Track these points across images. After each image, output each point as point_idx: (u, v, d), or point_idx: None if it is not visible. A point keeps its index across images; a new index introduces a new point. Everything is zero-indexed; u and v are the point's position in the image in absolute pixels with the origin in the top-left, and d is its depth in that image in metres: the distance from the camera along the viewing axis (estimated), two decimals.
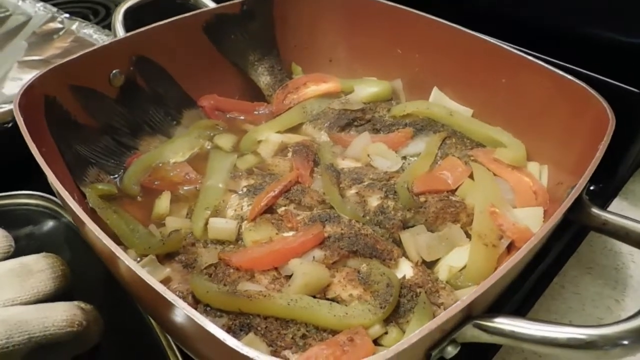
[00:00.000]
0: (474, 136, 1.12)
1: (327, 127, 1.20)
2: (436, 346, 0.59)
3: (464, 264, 0.88)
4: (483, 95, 1.15)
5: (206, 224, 0.94)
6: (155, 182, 1.08)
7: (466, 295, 0.58)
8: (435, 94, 1.22)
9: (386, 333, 0.75)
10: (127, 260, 0.64)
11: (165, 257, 0.90)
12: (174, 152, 1.13)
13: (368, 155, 1.07)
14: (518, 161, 1.03)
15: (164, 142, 1.16)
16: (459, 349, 0.60)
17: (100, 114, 1.07)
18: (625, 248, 1.06)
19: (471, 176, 1.01)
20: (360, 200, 0.97)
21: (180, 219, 0.97)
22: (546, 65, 1.00)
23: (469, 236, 0.92)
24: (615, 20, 1.06)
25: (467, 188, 0.99)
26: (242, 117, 1.27)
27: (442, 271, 0.88)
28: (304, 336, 0.73)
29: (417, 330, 0.54)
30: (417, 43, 1.22)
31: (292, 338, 0.73)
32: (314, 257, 0.84)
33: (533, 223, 0.93)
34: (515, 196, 0.99)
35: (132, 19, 1.14)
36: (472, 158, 1.06)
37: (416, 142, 1.11)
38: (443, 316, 0.56)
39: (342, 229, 0.88)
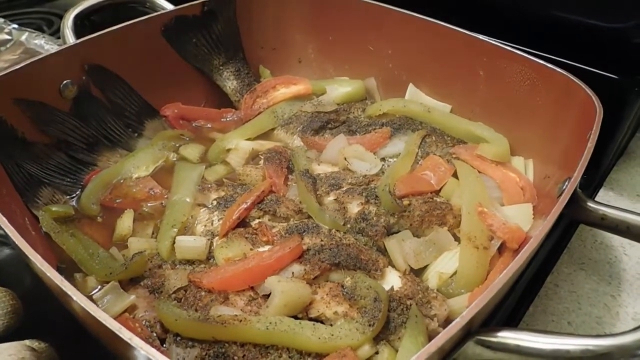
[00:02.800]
0: (454, 133, 1.07)
1: (300, 131, 1.13)
2: None
3: (455, 270, 0.82)
4: (461, 89, 1.10)
5: (173, 242, 0.86)
6: (117, 200, 0.99)
7: (465, 310, 0.52)
8: (411, 91, 1.16)
9: (377, 353, 0.68)
10: (75, 295, 0.56)
11: (130, 283, 0.81)
12: (136, 166, 1.04)
13: (345, 159, 1.00)
14: (502, 156, 0.98)
15: (125, 156, 1.07)
16: None
17: (52, 129, 0.98)
18: (616, 241, 1.02)
19: (455, 175, 0.96)
20: (340, 207, 0.90)
21: (144, 239, 0.89)
22: (526, 55, 0.96)
23: (457, 239, 0.86)
24: (592, 4, 1.03)
25: (451, 188, 0.94)
26: (208, 125, 1.19)
27: (432, 278, 0.82)
28: None
29: (414, 356, 0.48)
30: (389, 38, 1.17)
31: None
32: (292, 273, 0.77)
33: (523, 220, 0.88)
34: (502, 193, 0.94)
35: (87, 27, 1.06)
36: (454, 156, 1.01)
37: (394, 141, 1.05)
38: (442, 336, 0.50)
39: (322, 240, 0.82)
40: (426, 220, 0.87)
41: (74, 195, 1.00)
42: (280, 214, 0.90)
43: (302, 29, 1.27)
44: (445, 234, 0.86)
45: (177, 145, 1.12)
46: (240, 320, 0.68)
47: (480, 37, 1.03)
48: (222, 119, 1.21)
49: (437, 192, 0.94)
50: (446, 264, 0.83)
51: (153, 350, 0.48)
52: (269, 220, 0.90)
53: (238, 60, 1.24)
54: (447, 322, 0.75)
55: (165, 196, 0.98)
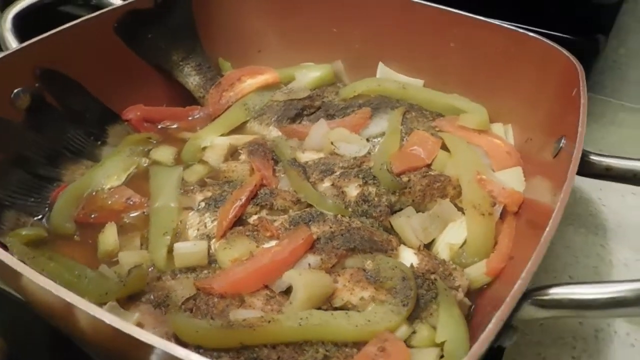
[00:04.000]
0: (431, 107, 1.07)
1: (275, 121, 1.09)
2: (497, 338, 0.51)
3: (464, 239, 0.82)
4: (433, 63, 1.10)
5: (169, 251, 0.80)
6: (92, 215, 0.90)
7: (523, 274, 0.51)
8: (382, 70, 1.15)
9: (414, 332, 0.66)
10: (85, 306, 0.50)
11: (129, 301, 0.74)
12: (106, 176, 0.96)
13: (332, 143, 0.98)
14: (483, 125, 1.00)
15: (92, 167, 0.98)
16: (517, 332, 0.53)
17: (5, 144, 0.87)
18: (593, 194, 1.07)
19: (442, 147, 0.96)
20: (338, 192, 0.87)
21: (135, 252, 0.81)
22: (498, 22, 0.97)
23: (459, 209, 0.86)
24: None
25: (442, 160, 0.94)
26: (175, 126, 1.12)
27: (442, 251, 0.82)
28: (326, 358, 0.63)
29: (484, 333, 0.46)
30: (353, 18, 1.15)
31: None
32: (309, 264, 0.73)
33: (516, 184, 0.90)
34: (491, 160, 0.95)
35: (29, 28, 0.95)
36: (437, 129, 1.01)
37: (375, 121, 1.04)
38: (508, 304, 0.48)
39: (330, 227, 0.79)
40: (428, 194, 0.86)
41: (42, 215, 0.90)
42: (277, 207, 0.86)
43: (261, 17, 1.22)
44: (448, 205, 0.85)
45: (146, 149, 1.04)
46: (269, 321, 0.64)
47: (449, 9, 1.03)
48: (189, 118, 1.13)
49: (428, 166, 0.94)
50: (454, 234, 0.83)
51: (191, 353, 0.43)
52: (266, 214, 0.86)
53: (197, 55, 1.17)
54: (468, 292, 0.75)
55: (146, 204, 0.91)
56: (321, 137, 1.01)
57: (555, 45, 0.90)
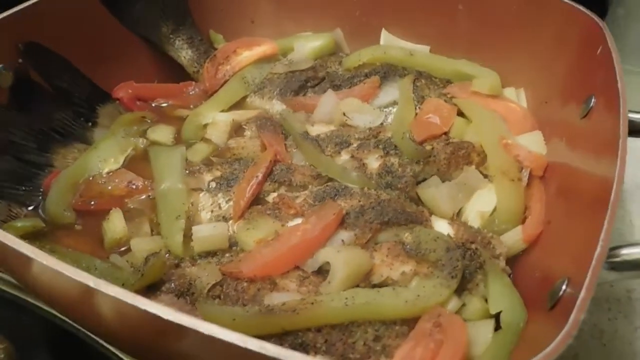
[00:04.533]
0: (440, 73, 1.02)
1: (277, 94, 1.02)
2: None
3: (494, 207, 0.79)
4: (439, 28, 1.05)
5: (185, 235, 0.74)
6: (92, 202, 0.83)
7: (601, 238, 0.48)
8: (386, 37, 1.10)
9: (464, 305, 0.63)
10: (110, 290, 0.45)
11: (148, 291, 0.68)
12: (102, 159, 0.88)
13: (344, 114, 0.92)
14: (496, 89, 0.96)
15: (85, 150, 0.90)
16: None
17: None
18: None
19: (458, 114, 0.92)
20: (359, 164, 0.83)
21: (149, 239, 0.75)
22: None
23: (484, 176, 0.83)
24: None
25: (460, 127, 0.90)
26: (170, 103, 1.05)
27: (472, 220, 0.78)
28: (377, 338, 0.58)
29: (578, 303, 0.43)
30: None
31: (364, 345, 0.58)
32: (342, 240, 0.69)
33: (538, 147, 0.87)
34: (508, 125, 0.92)
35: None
36: (449, 96, 0.97)
37: (385, 90, 0.99)
38: (593, 276, 0.45)
39: (359, 201, 0.74)
40: (453, 162, 0.83)
41: (35, 204, 0.82)
42: (296, 183, 0.81)
43: None
44: (474, 173, 0.82)
45: (142, 129, 0.96)
46: (312, 303, 0.59)
47: None
48: (184, 94, 1.06)
49: (446, 134, 0.90)
50: (483, 202, 0.80)
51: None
52: (285, 191, 0.80)
53: (188, 27, 1.09)
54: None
55: (150, 187, 0.84)
56: (331, 108, 0.95)
57: (575, 4, 0.87)
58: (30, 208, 0.82)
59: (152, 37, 1.04)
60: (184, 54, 1.08)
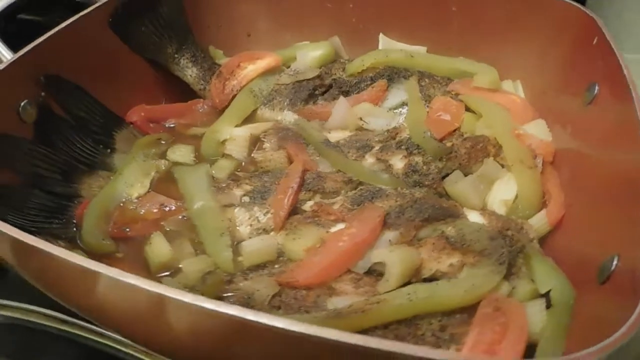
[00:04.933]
0: (440, 72, 1.07)
1: (288, 104, 1.05)
2: None
3: (515, 194, 0.84)
4: (434, 29, 1.10)
5: (234, 251, 0.76)
6: (126, 229, 0.83)
7: None
8: (384, 41, 1.14)
9: (513, 288, 0.68)
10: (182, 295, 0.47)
11: None
12: (129, 185, 0.88)
13: (360, 119, 0.96)
14: (496, 83, 1.02)
15: (109, 177, 0.90)
16: None
17: (21, 165, 0.78)
18: None
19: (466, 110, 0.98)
20: (385, 166, 0.87)
21: (198, 259, 0.76)
22: None
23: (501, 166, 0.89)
24: None
25: (470, 122, 0.95)
26: (181, 122, 1.05)
27: (498, 209, 0.83)
28: (442, 328, 0.62)
29: None
30: None
31: (432, 335, 0.62)
32: (389, 240, 0.72)
33: (544, 135, 0.93)
34: (512, 116, 0.98)
35: (15, 31, 0.84)
36: (453, 93, 1.02)
37: (393, 92, 1.03)
38: None
39: (396, 201, 0.78)
40: (473, 156, 0.88)
41: (69, 237, 0.82)
42: (329, 190, 0.84)
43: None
44: (493, 164, 0.87)
45: (161, 151, 0.97)
46: (378, 302, 0.63)
47: None
48: (194, 112, 1.07)
49: (458, 129, 0.95)
50: (505, 191, 0.85)
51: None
52: (320, 198, 0.83)
53: (190, 45, 1.10)
54: None
55: (183, 208, 0.85)
56: (344, 114, 0.99)
57: (566, 0, 0.94)
58: (63, 241, 0.81)
59: (159, 59, 1.05)
60: (190, 72, 1.09)
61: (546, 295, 0.66)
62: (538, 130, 0.94)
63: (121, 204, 0.86)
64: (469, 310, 0.64)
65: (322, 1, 1.15)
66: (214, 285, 0.69)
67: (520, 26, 1.01)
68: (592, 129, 0.82)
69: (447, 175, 0.87)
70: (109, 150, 0.94)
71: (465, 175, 0.87)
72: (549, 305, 0.65)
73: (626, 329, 0.43)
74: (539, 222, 0.80)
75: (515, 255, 0.70)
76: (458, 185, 0.83)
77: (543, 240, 0.80)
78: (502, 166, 0.88)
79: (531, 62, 1.01)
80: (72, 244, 0.81)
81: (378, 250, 0.70)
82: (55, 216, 0.82)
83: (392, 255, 0.68)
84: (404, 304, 0.63)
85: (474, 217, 0.78)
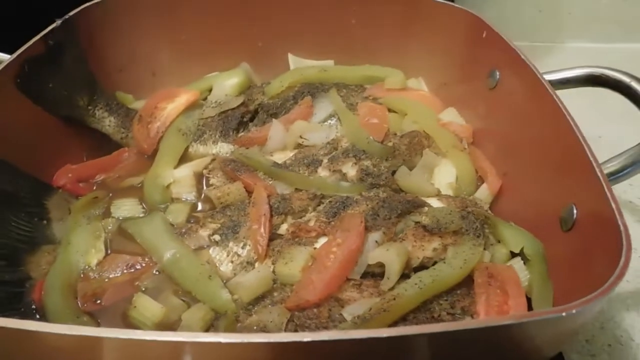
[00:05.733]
0: (352, 81, 1.15)
1: (220, 136, 1.05)
2: None
3: (455, 176, 0.95)
4: (338, 42, 1.18)
5: (230, 291, 0.75)
6: (97, 301, 0.77)
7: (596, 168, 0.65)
8: (294, 60, 1.19)
9: (492, 255, 0.77)
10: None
11: None
12: (82, 253, 0.81)
13: (301, 137, 1.00)
14: (404, 83, 1.13)
15: (54, 250, 0.82)
16: None
17: None
18: None
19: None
20: (341, 175, 0.92)
21: (197, 307, 0.73)
22: None
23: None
24: None
25: (395, 120, 1.04)
26: (111, 175, 0.99)
27: (445, 191, 0.93)
28: (452, 305, 0.69)
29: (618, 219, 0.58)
30: (250, 16, 1.15)
31: (447, 314, 0.68)
32: (376, 241, 0.77)
33: (458, 120, 1.06)
34: None
35: None
36: (371, 97, 1.11)
37: (319, 106, 1.08)
38: (610, 192, 0.62)
39: (367, 205, 0.83)
40: (412, 150, 0.96)
41: None
42: (297, 209, 0.86)
43: (148, 37, 1.12)
44: (431, 155, 0.97)
45: (101, 210, 0.90)
46: (394, 298, 0.67)
47: None
48: (121, 162, 1.01)
49: (388, 130, 1.04)
50: (445, 175, 0.95)
51: None
52: (292, 219, 0.85)
53: (100, 94, 1.04)
54: None
55: (151, 263, 0.81)
56: (282, 136, 1.01)
57: (447, 3, 1.07)
58: None
59: (73, 114, 0.97)
60: (107, 122, 1.03)
61: (520, 253, 0.76)
62: (452, 117, 1.07)
63: (81, 275, 0.79)
64: (464, 283, 0.72)
65: (225, 30, 1.16)
66: (229, 328, 0.68)
67: (415, 31, 1.13)
68: (502, 107, 0.95)
69: (394, 172, 0.95)
70: (44, 222, 0.86)
71: (409, 168, 0.95)
72: (525, 261, 0.75)
73: (619, 271, 0.53)
74: (483, 194, 0.91)
75: (480, 227, 0.80)
76: (409, 179, 0.90)
77: (491, 209, 0.91)
78: (437, 154, 0.99)
79: (431, 60, 1.14)
80: None
81: (374, 253, 0.74)
82: (11, 307, 0.72)
83: (389, 254, 0.73)
84: (416, 294, 0.68)
85: (434, 203, 0.87)
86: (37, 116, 0.89)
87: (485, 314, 0.65)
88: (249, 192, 0.90)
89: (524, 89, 0.88)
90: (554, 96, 0.78)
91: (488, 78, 1.00)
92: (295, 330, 0.70)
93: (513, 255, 0.78)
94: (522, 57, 0.89)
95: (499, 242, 0.80)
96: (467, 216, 0.79)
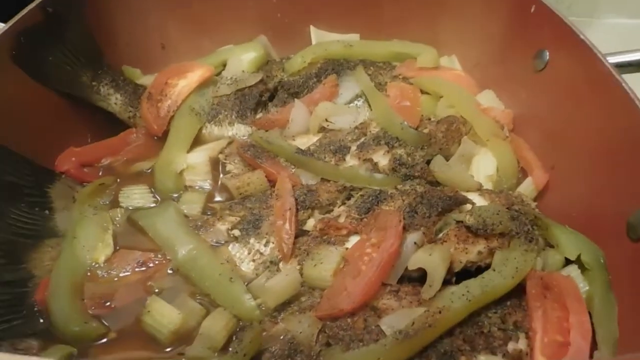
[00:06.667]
0: (380, 58, 1.06)
1: (236, 117, 0.96)
2: None
3: (495, 167, 0.87)
4: (364, 15, 1.08)
5: (253, 295, 0.68)
6: (107, 303, 0.70)
7: None
8: (316, 34, 1.09)
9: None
10: None
11: None
12: (89, 248, 0.74)
13: (326, 120, 0.91)
14: (437, 61, 1.04)
15: (58, 245, 0.74)
16: None
17: None
18: None
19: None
20: (372, 165, 0.83)
21: (218, 314, 0.66)
22: None
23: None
24: None
25: (429, 103, 0.95)
26: (119, 159, 0.91)
27: (485, 185, 0.85)
28: (503, 319, 0.62)
29: None
30: None
31: (498, 329, 0.61)
32: (415, 242, 0.69)
33: (496, 104, 0.97)
34: None
35: None
36: (401, 76, 1.01)
37: (344, 86, 0.99)
38: None
39: (403, 200, 0.75)
40: (449, 138, 0.88)
41: (37, 330, 0.66)
42: (324, 202, 0.79)
43: (157, 5, 1.02)
44: (469, 143, 0.88)
45: (109, 198, 0.82)
46: (440, 311, 0.60)
47: None
48: (129, 145, 0.93)
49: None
50: (485, 166, 0.87)
51: None
52: (319, 214, 0.78)
53: (107, 69, 0.95)
54: None
55: (164, 260, 0.74)
56: (305, 118, 0.93)
57: None
58: (31, 338, 0.65)
59: (75, 91, 0.88)
60: (114, 100, 0.94)
61: (577, 261, 0.68)
62: (490, 101, 0.97)
63: (88, 273, 0.72)
64: (514, 293, 0.65)
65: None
66: (255, 342, 0.61)
67: (449, 3, 1.02)
68: (551, 92, 0.86)
69: (428, 161, 0.86)
70: (47, 212, 0.78)
71: (445, 158, 0.87)
72: (582, 270, 0.68)
73: None
74: (527, 189, 0.83)
75: (530, 229, 0.72)
76: (448, 170, 0.82)
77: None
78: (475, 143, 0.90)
79: (466, 36, 1.04)
80: (45, 338, 0.65)
81: (415, 257, 0.67)
82: (13, 310, 0.66)
83: (432, 260, 0.65)
84: (464, 306, 0.61)
85: (475, 199, 0.79)
86: (36, 93, 0.80)
87: (543, 332, 0.58)
88: (271, 182, 0.83)
89: (582, 72, 0.79)
90: (623, 83, 0.69)
91: (535, 59, 0.90)
92: (328, 343, 0.63)
93: (567, 262, 0.70)
94: (581, 36, 0.79)
95: (549, 246, 0.72)
96: (518, 217, 0.71)
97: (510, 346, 0.59)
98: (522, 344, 0.59)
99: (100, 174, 0.87)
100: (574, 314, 0.59)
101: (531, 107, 0.92)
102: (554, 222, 0.73)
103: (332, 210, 0.78)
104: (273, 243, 0.74)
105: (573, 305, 0.60)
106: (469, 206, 0.75)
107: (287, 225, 0.74)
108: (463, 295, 0.62)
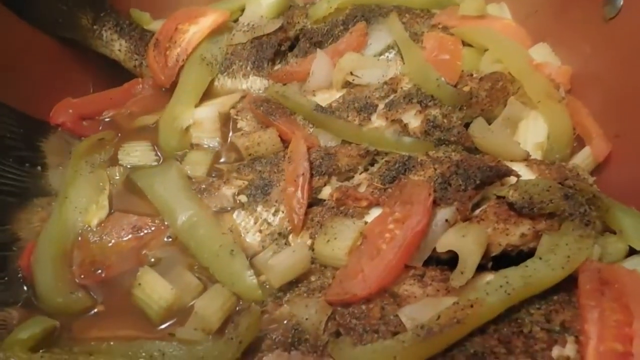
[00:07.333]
0: (417, 4, 0.93)
1: (252, 68, 0.86)
2: None
3: (547, 134, 0.74)
4: None
5: (256, 271, 0.60)
6: (98, 271, 0.63)
7: None
8: None
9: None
10: None
11: (246, 355, 0.54)
12: (81, 210, 0.67)
13: (351, 73, 0.80)
14: (483, 9, 0.90)
15: (49, 204, 0.68)
16: None
17: None
18: None
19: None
20: (401, 126, 0.72)
21: (213, 293, 0.59)
22: None
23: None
24: None
25: (472, 57, 0.83)
26: (122, 112, 0.83)
27: (534, 153, 0.73)
28: (547, 318, 0.52)
29: None
30: None
31: (541, 329, 0.51)
32: (446, 220, 0.59)
33: (552, 59, 0.83)
34: None
35: None
36: (440, 26, 0.88)
37: (375, 35, 0.87)
38: None
39: (435, 169, 0.64)
40: (494, 98, 0.76)
41: (21, 299, 0.60)
42: (344, 168, 0.69)
43: None
44: (516, 104, 0.76)
45: (108, 155, 0.75)
46: (472, 305, 0.50)
47: None
48: (134, 96, 0.84)
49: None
50: (534, 133, 0.75)
51: None
52: (337, 181, 0.68)
53: (110, 11, 0.86)
54: None
55: (163, 226, 0.66)
56: (327, 71, 0.82)
57: None
58: (16, 304, 0.60)
59: (75, 35, 0.80)
60: (117, 46, 0.85)
61: None
62: (544, 56, 0.84)
63: (79, 238, 0.65)
64: (562, 285, 0.54)
65: None
66: (253, 327, 0.53)
67: None
68: (622, 46, 0.72)
69: (467, 124, 0.75)
70: (39, 168, 0.71)
71: (488, 121, 0.75)
72: None
73: None
74: (584, 160, 0.71)
75: (587, 210, 0.60)
76: (490, 135, 0.70)
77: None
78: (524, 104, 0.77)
79: None
80: (28, 308, 0.60)
81: (445, 238, 0.57)
82: None
83: (465, 243, 0.55)
84: (501, 300, 0.51)
85: (521, 171, 0.67)
86: (27, 36, 0.72)
87: (598, 338, 0.48)
88: (285, 142, 0.73)
89: None
90: None
91: (605, 5, 0.75)
92: (338, 332, 0.54)
93: (631, 252, 0.58)
94: None
95: (609, 232, 0.60)
96: (572, 195, 0.59)
97: (555, 351, 0.49)
98: (569, 350, 0.49)
99: (100, 128, 0.79)
100: (639, 320, 0.48)
101: (595, 64, 0.78)
102: (617, 202, 0.61)
103: (352, 178, 0.69)
104: (283, 212, 0.66)
105: (638, 308, 0.49)
106: (513, 179, 0.64)
107: (299, 193, 0.64)
108: (501, 286, 0.52)
